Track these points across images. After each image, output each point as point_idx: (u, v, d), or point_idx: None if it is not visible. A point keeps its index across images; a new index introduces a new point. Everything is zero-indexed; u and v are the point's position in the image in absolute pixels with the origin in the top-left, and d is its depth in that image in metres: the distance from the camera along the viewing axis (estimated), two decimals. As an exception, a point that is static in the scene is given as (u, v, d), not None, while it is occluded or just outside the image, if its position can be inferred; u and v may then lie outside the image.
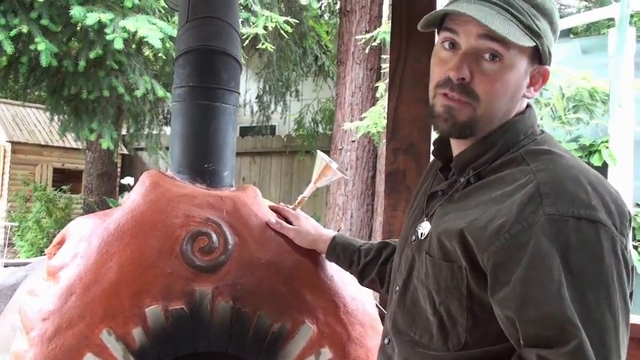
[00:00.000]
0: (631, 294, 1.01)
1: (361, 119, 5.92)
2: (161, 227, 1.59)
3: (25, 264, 3.05)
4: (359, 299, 1.73)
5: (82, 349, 1.46)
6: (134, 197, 1.64)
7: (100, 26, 5.73)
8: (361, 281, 1.62)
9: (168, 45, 6.02)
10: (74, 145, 11.12)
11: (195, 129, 1.76)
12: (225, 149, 1.79)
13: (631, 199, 4.30)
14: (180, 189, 1.68)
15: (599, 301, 0.94)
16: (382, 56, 6.42)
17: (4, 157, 11.99)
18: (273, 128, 11.55)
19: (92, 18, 5.58)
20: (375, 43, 6.02)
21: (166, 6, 4.83)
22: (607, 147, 4.41)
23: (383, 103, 5.51)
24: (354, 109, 6.61)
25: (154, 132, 8.39)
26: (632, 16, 4.82)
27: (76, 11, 5.61)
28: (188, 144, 1.77)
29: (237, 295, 1.58)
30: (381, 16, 6.69)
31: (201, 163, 1.75)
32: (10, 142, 11.96)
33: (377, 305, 1.83)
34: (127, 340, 1.49)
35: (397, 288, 1.26)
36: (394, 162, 2.05)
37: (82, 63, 6.02)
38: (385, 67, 5.94)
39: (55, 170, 12.56)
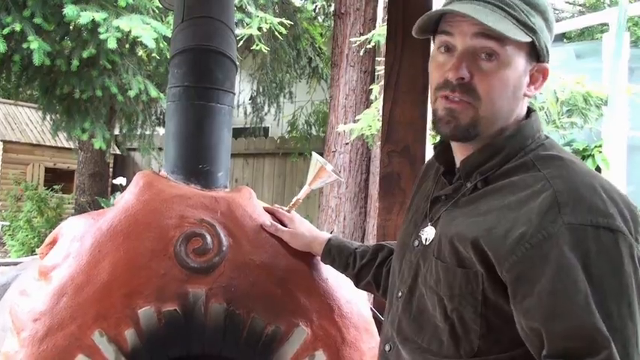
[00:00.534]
0: None
1: (355, 122, 5.91)
2: (155, 228, 1.58)
3: (15, 263, 3.03)
4: (353, 302, 1.72)
5: (74, 350, 1.45)
6: (128, 197, 1.63)
7: (94, 25, 5.70)
8: (357, 284, 1.61)
9: (162, 45, 6.00)
10: (66, 145, 11.09)
11: (189, 129, 1.75)
12: (219, 150, 1.78)
13: (624, 203, 4.31)
14: (175, 189, 1.67)
15: (621, 310, 0.94)
16: (376, 59, 6.43)
17: (-4, 156, 11.95)
18: (266, 130, 11.55)
19: (86, 17, 5.55)
20: (369, 46, 6.02)
21: (161, 5, 4.81)
22: (600, 151, 4.42)
23: (377, 105, 5.51)
24: (347, 111, 6.61)
25: (147, 132, 8.38)
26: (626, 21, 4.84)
27: (69, 10, 5.58)
28: (183, 144, 1.76)
29: (231, 297, 1.57)
30: (376, 19, 6.69)
31: (196, 164, 1.74)
32: (1, 140, 11.92)
33: (371, 308, 1.82)
34: (119, 342, 1.48)
35: (400, 294, 1.24)
36: (389, 165, 2.04)
37: (75, 62, 5.98)
38: (379, 69, 5.94)
39: (47, 170, 12.53)
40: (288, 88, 10.47)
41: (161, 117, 9.22)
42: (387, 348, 1.27)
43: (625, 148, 4.42)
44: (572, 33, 8.21)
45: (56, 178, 12.10)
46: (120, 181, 8.10)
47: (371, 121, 5.50)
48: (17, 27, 5.62)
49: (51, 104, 6.89)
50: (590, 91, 4.44)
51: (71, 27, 5.96)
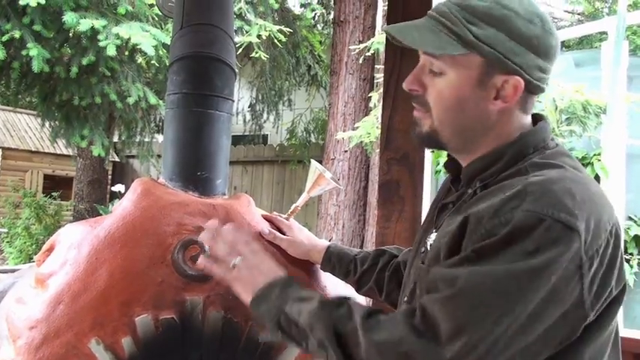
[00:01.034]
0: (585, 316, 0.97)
1: (354, 129, 5.93)
2: (152, 235, 1.57)
3: (13, 271, 3.02)
4: (352, 310, 1.71)
5: (70, 358, 1.44)
6: (125, 204, 1.62)
7: (93, 32, 5.72)
8: (358, 290, 1.60)
9: (161, 52, 6.02)
10: (65, 152, 11.09)
11: (188, 136, 1.74)
12: (218, 157, 1.77)
13: (623, 212, 4.31)
14: (173, 197, 1.66)
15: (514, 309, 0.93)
16: (376, 66, 6.44)
17: (-6, 162, 11.94)
18: (265, 137, 11.56)
19: (85, 24, 5.57)
20: (368, 54, 6.04)
21: (160, 13, 4.82)
22: (599, 160, 4.42)
23: (376, 113, 5.52)
24: (346, 119, 6.62)
25: (146, 139, 8.37)
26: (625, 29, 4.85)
27: (68, 17, 5.59)
28: (181, 151, 1.75)
29: (228, 305, 1.56)
30: (375, 27, 6.71)
31: (194, 171, 1.73)
32: (0, 147, 11.90)
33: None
34: (115, 350, 1.47)
35: (405, 299, 1.25)
36: (388, 172, 2.03)
37: (74, 69, 6.00)
38: (378, 77, 5.96)
39: (46, 177, 12.53)
40: (287, 96, 10.50)
41: (160, 124, 9.23)
42: None
43: (624, 157, 4.41)
44: (571, 41, 8.24)
45: (55, 185, 12.10)
46: (118, 188, 8.09)
47: (370, 128, 5.51)
48: (17, 34, 5.64)
49: (50, 111, 6.90)
50: (589, 100, 4.45)
51: (70, 34, 5.98)
